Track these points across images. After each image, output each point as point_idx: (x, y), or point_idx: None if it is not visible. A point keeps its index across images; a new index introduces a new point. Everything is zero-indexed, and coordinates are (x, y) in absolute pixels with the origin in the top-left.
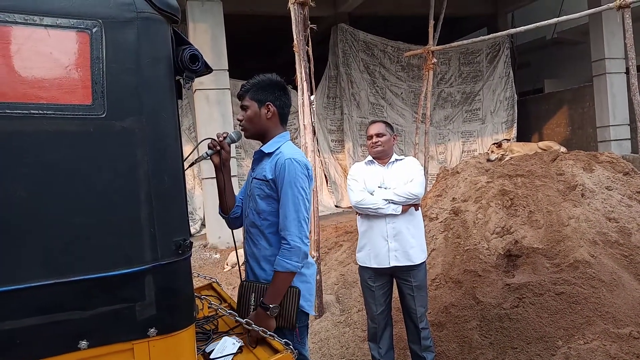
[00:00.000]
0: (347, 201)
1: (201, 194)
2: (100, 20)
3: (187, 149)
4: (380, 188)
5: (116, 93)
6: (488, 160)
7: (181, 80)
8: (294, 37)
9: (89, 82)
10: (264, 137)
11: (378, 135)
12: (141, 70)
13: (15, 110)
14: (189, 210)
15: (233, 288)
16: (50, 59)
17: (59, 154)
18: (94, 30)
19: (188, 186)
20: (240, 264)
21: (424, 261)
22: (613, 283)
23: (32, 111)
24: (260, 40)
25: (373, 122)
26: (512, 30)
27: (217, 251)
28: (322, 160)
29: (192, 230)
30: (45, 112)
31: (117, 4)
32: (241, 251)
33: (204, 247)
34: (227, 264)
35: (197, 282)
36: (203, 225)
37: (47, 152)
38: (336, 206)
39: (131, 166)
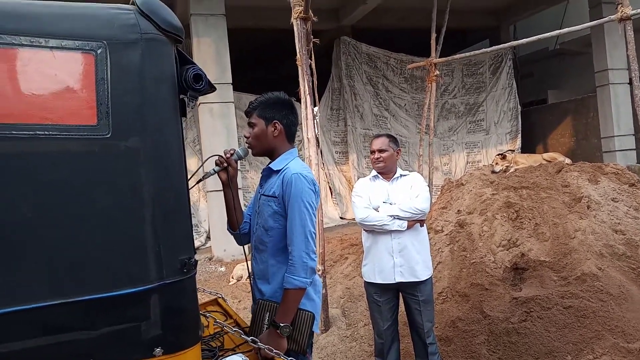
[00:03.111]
0: (351, 213)
1: (206, 206)
2: (104, 42)
3: (191, 162)
4: (385, 203)
5: (121, 113)
6: (493, 172)
7: (185, 99)
8: (297, 51)
9: (94, 102)
10: (271, 154)
11: (380, 150)
12: (145, 91)
13: (21, 131)
14: (193, 223)
15: (239, 302)
16: (55, 80)
17: (64, 174)
18: (98, 51)
19: (193, 199)
20: (249, 276)
21: (430, 277)
22: (621, 296)
23: (37, 132)
24: (263, 53)
25: (377, 136)
26: (515, 43)
27: (223, 264)
28: (327, 172)
29: (197, 244)
30: (50, 132)
31: (122, 26)
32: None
33: (209, 260)
34: (232, 277)
35: (202, 298)
36: (208, 238)
37: (52, 172)
38: (341, 218)
39: (136, 185)
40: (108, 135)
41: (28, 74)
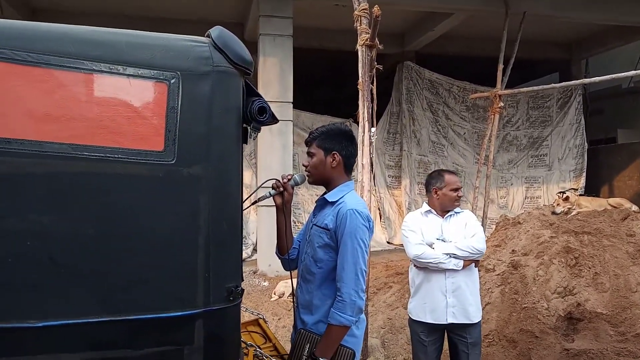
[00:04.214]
0: (399, 238)
1: (255, 219)
2: (178, 72)
3: (246, 175)
4: (439, 240)
5: (186, 141)
6: (553, 213)
7: (249, 129)
8: (360, 76)
9: (162, 130)
10: (327, 185)
11: (460, 189)
12: (212, 120)
13: (93, 152)
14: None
15: (279, 319)
16: (129, 106)
17: (127, 197)
18: (172, 81)
19: (244, 212)
20: (293, 293)
21: (480, 319)
22: None
23: (107, 154)
24: (326, 73)
25: (451, 172)
26: (587, 80)
27: (266, 279)
28: (378, 196)
29: (244, 255)
30: (119, 156)
31: (196, 58)
32: (295, 280)
33: (254, 273)
34: (274, 294)
35: (244, 316)
36: (255, 250)
37: (116, 193)
38: (388, 242)
39: (194, 211)
40: (173, 162)
41: (104, 98)
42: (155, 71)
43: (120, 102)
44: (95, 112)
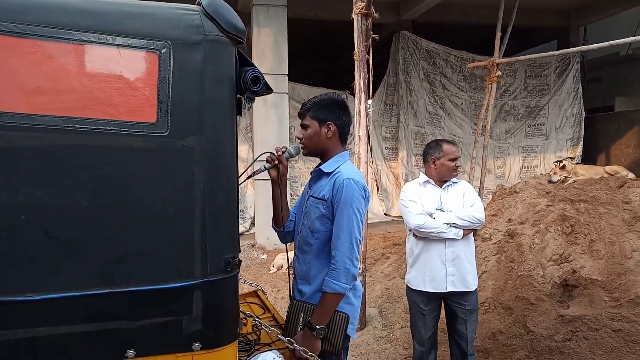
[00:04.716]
0: (396, 210)
1: (253, 193)
2: (169, 42)
3: (242, 149)
4: (438, 210)
5: (179, 112)
6: (550, 181)
7: (243, 100)
8: (355, 46)
9: (154, 101)
10: (323, 156)
11: (458, 159)
12: (205, 91)
13: (84, 125)
14: (239, 208)
15: (277, 291)
16: (119, 77)
17: (121, 169)
18: (163, 51)
19: (241, 185)
20: (289, 266)
21: (477, 286)
22: None
23: (99, 127)
24: (321, 44)
25: (449, 142)
26: (585, 47)
27: (265, 252)
28: (375, 168)
29: (242, 229)
30: (111, 128)
31: (187, 27)
32: (290, 253)
33: (252, 246)
34: (273, 266)
35: (242, 288)
36: (253, 224)
37: (110, 166)
38: (385, 214)
39: (188, 183)
40: (166, 133)
41: (94, 70)
42: (146, 41)
43: (111, 73)
44: (85, 83)
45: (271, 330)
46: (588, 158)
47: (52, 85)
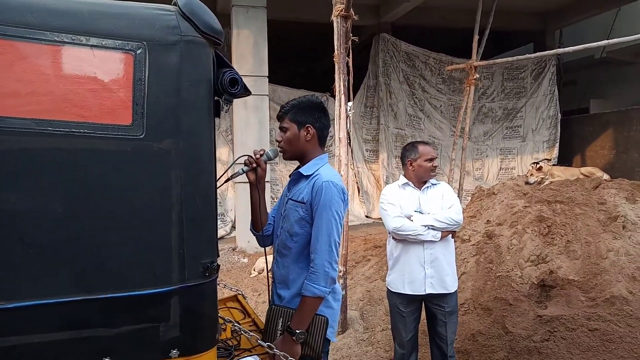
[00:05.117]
0: (377, 212)
1: (234, 196)
2: (144, 42)
3: (222, 152)
4: (417, 212)
5: (155, 114)
6: (527, 183)
7: (220, 102)
8: (335, 48)
9: (130, 102)
10: (302, 159)
11: (435, 159)
12: (181, 93)
13: (57, 128)
14: (220, 211)
15: (259, 295)
16: (93, 78)
17: (95, 172)
18: (138, 52)
19: (221, 188)
20: (268, 271)
21: (457, 288)
22: None
23: (73, 129)
24: (302, 46)
25: (425, 143)
26: (561, 50)
27: (245, 255)
28: (355, 170)
29: (222, 233)
30: (85, 130)
31: (162, 27)
32: (270, 257)
33: (233, 250)
34: (254, 270)
35: (223, 293)
36: (233, 227)
37: (84, 169)
38: (366, 216)
39: (165, 187)
40: (142, 136)
41: (67, 71)
42: (120, 41)
43: (85, 74)
44: (58, 85)
45: (251, 335)
46: (564, 160)
47: (23, 87)
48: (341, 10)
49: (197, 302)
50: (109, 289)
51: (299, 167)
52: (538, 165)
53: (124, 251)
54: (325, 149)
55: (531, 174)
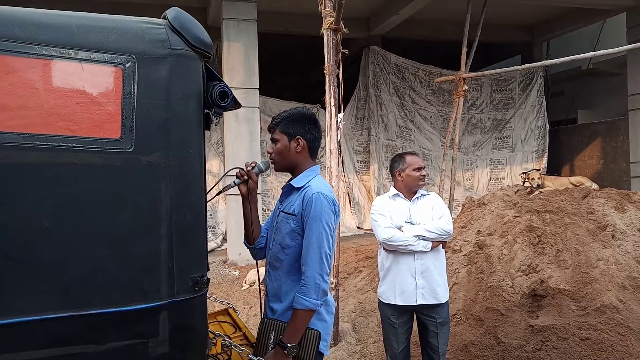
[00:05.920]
0: (369, 223)
1: (225, 208)
2: (134, 56)
3: (213, 164)
4: (408, 223)
5: (145, 128)
6: (537, 186)
7: (210, 115)
8: (325, 61)
9: (119, 116)
10: (293, 171)
11: (423, 168)
12: (171, 106)
13: (45, 142)
14: (211, 224)
15: (250, 308)
16: (82, 92)
17: (84, 186)
18: (127, 65)
19: (212, 201)
20: (260, 283)
21: (448, 299)
22: None
23: (61, 144)
24: (292, 59)
25: (412, 153)
26: (548, 62)
27: (237, 268)
28: (347, 181)
29: (213, 245)
30: (73, 145)
31: (152, 41)
32: (262, 270)
33: (224, 262)
34: (245, 282)
35: (213, 307)
36: (224, 239)
37: (72, 183)
38: (358, 227)
39: (154, 201)
40: (130, 150)
41: (55, 84)
42: (109, 55)
43: (73, 88)
44: (46, 99)
45: (242, 350)
46: (553, 169)
47: (11, 100)
48: (331, 23)
49: (186, 317)
50: (97, 305)
51: (290, 179)
52: (526, 173)
53: (112, 266)
54: (317, 161)
55: (532, 178)
